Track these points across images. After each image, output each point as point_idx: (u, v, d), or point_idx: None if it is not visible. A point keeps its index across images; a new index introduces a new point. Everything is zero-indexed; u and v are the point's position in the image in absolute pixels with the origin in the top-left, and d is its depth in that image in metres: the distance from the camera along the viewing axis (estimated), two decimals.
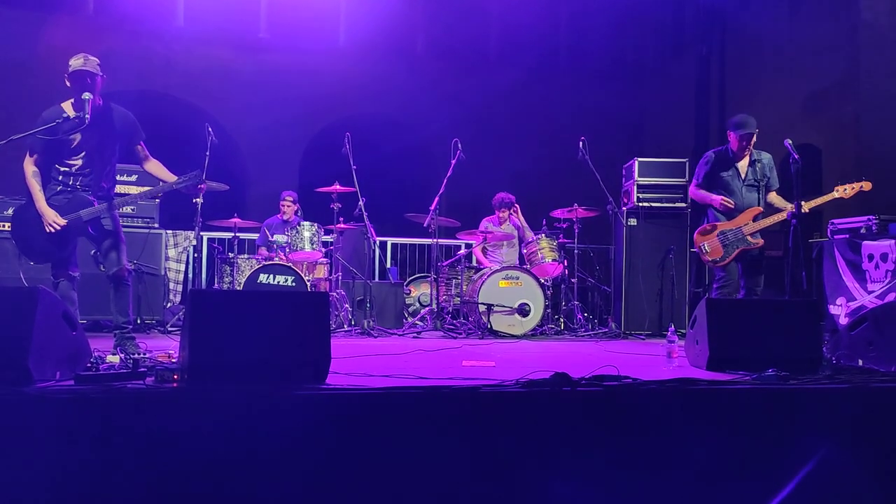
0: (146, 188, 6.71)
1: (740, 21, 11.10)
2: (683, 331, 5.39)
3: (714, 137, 11.37)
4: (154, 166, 4.43)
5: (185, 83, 11.27)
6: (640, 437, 2.78)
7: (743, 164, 5.34)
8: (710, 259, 5.33)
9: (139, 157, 4.42)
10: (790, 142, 5.03)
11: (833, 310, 5.89)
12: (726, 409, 2.89)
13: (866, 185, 5.04)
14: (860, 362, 3.64)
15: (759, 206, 5.29)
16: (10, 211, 4.53)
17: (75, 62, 4.14)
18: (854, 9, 8.91)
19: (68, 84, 4.16)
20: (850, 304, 5.72)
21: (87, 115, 4.12)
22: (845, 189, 5.06)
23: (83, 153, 4.19)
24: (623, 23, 12.62)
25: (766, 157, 5.41)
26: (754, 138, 5.29)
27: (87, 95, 4.13)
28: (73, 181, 4.18)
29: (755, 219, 5.22)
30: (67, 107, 4.20)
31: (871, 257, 5.66)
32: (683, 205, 7.13)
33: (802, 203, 4.93)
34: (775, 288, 6.27)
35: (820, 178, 9.09)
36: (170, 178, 4.39)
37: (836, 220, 6.26)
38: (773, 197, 5.37)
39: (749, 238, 5.20)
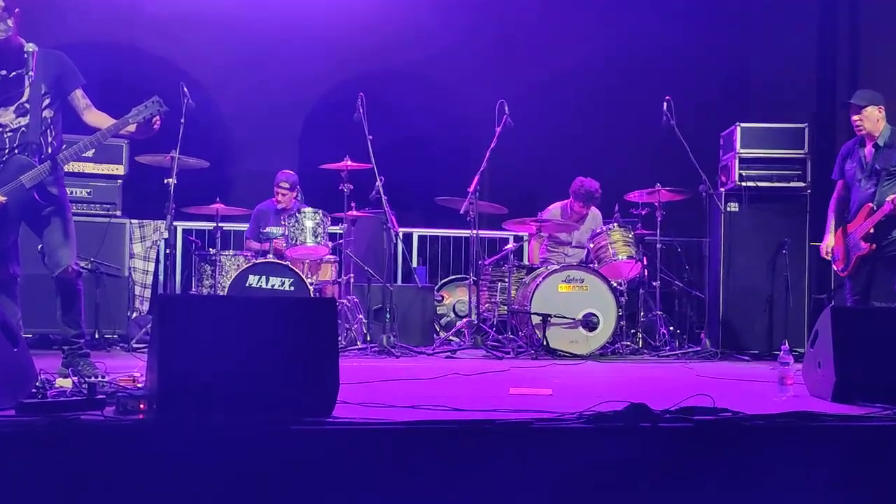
0: (106, 164, 6.83)
1: None
2: (801, 350, 5.32)
3: (843, 98, 11.17)
4: (97, 117, 4.39)
5: (155, 32, 11.41)
6: (741, 488, 2.75)
7: (866, 152, 5.44)
8: (840, 267, 5.59)
9: (77, 107, 4.38)
10: None
11: None
12: (858, 453, 2.85)
13: None
14: None
15: (874, 201, 5.32)
16: None
17: None
18: None
19: None
20: None
21: (31, 72, 4.19)
22: None
23: (15, 106, 4.22)
24: None
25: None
26: (863, 113, 5.38)
27: (31, 47, 4.20)
28: (9, 143, 4.20)
29: (867, 217, 5.32)
30: None
31: None
32: (802, 184, 7.04)
33: None
34: None
35: None
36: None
37: None
38: None
39: (861, 242, 5.32)
